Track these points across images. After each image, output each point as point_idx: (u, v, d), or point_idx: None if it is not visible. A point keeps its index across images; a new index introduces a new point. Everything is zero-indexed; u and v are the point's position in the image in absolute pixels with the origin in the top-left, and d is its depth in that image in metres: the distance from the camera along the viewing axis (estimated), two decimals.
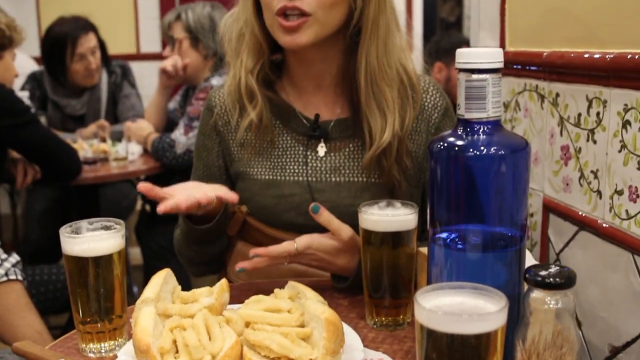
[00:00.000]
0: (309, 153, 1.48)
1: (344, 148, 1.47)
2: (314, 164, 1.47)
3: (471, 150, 0.90)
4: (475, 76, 0.89)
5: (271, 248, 1.31)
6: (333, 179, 1.46)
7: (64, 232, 1.14)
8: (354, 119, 1.46)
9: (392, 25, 1.43)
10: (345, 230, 1.33)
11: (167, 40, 3.39)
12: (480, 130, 0.91)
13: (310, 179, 1.47)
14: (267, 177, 1.49)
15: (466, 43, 3.63)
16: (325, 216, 1.32)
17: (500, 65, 0.90)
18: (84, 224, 1.16)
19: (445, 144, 0.92)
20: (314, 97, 1.51)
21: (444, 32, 5.66)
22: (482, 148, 0.90)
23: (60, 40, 3.45)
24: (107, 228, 1.16)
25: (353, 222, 1.28)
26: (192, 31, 3.23)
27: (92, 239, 1.12)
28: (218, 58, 3.19)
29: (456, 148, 0.91)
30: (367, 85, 1.41)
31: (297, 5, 1.33)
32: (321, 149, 1.48)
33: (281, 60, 1.53)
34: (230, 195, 1.35)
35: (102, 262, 1.12)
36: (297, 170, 1.48)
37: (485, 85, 0.89)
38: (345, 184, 1.46)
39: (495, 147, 0.90)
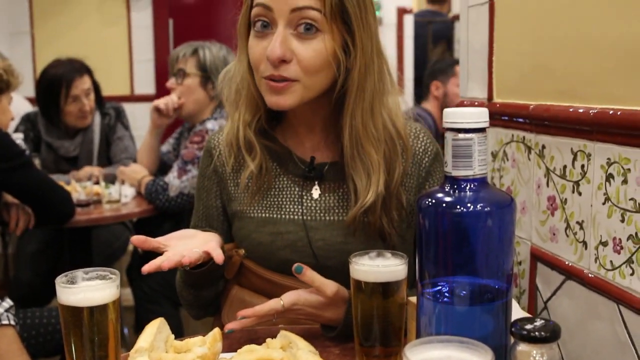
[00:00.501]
0: (304, 194, 1.52)
1: (337, 190, 1.51)
2: (309, 204, 1.51)
3: (458, 206, 0.93)
4: (461, 135, 0.92)
5: (258, 308, 1.32)
6: (327, 218, 1.50)
7: (60, 282, 1.15)
8: (343, 166, 1.49)
9: (381, 86, 1.45)
10: (330, 287, 1.35)
11: (174, 72, 3.33)
12: (467, 188, 0.94)
13: (305, 217, 1.50)
14: (264, 215, 1.52)
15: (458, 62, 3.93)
16: (308, 275, 1.34)
17: (486, 124, 0.93)
18: (79, 273, 1.17)
19: (433, 200, 0.95)
20: (309, 140, 1.55)
21: (439, 56, 5.85)
22: (468, 205, 0.92)
23: (55, 82, 3.48)
24: (102, 278, 1.17)
25: (344, 260, 1.30)
26: (206, 70, 3.22)
27: (87, 289, 1.13)
28: (221, 102, 3.20)
29: (444, 204, 0.94)
30: (352, 147, 1.43)
31: (282, 74, 1.37)
32: (315, 192, 1.52)
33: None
34: (217, 254, 1.35)
35: (97, 312, 1.13)
36: (292, 210, 1.51)
37: (471, 144, 0.92)
38: (338, 223, 1.49)
39: (481, 204, 0.92)
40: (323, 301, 1.35)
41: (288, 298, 1.34)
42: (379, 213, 1.45)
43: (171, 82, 3.34)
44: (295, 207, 1.51)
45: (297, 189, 1.52)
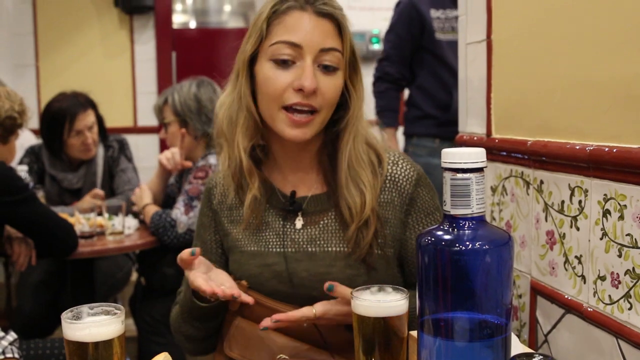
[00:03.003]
0: (287, 226, 1.58)
1: (319, 221, 1.57)
2: (292, 236, 1.57)
3: (457, 245, 0.95)
4: (460, 175, 0.95)
5: (291, 313, 1.42)
6: (309, 249, 1.55)
7: (65, 318, 1.16)
8: (329, 195, 1.57)
9: (362, 112, 1.58)
10: None
11: (161, 123, 3.42)
12: (466, 226, 0.96)
13: (288, 250, 1.56)
14: (252, 248, 1.59)
15: None
16: (339, 291, 1.41)
17: (484, 164, 0.95)
18: (84, 308, 1.19)
19: (433, 239, 0.97)
20: (292, 176, 1.62)
21: None
22: (467, 243, 0.94)
23: (59, 116, 3.50)
24: (107, 313, 1.19)
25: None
26: (179, 114, 3.25)
27: (93, 325, 1.15)
28: (210, 139, 3.23)
29: (443, 243, 0.96)
30: (346, 171, 1.53)
31: (311, 103, 1.46)
32: (298, 222, 1.58)
33: (263, 145, 1.62)
34: (246, 297, 1.44)
35: (102, 347, 1.14)
36: (277, 242, 1.57)
37: (469, 184, 0.94)
38: (321, 254, 1.54)
39: (480, 242, 0.94)
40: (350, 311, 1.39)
41: (320, 308, 1.43)
42: (372, 231, 1.52)
43: (162, 133, 3.43)
44: (279, 240, 1.57)
45: (280, 221, 1.59)
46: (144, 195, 3.31)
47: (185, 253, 1.44)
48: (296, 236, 1.56)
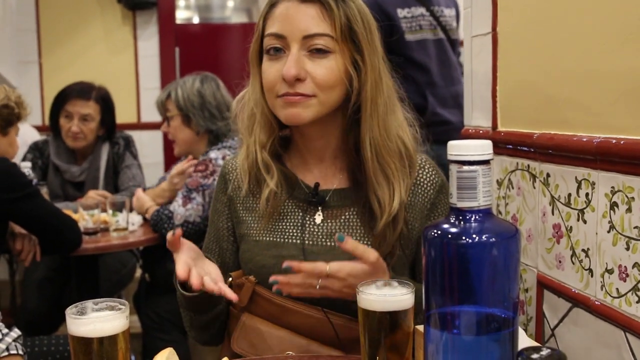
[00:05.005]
0: (307, 218, 1.57)
1: (340, 216, 1.56)
2: (311, 229, 1.56)
3: (464, 237, 0.94)
4: (466, 167, 0.94)
5: (304, 264, 1.36)
6: (328, 244, 1.54)
7: (70, 313, 1.16)
8: (354, 190, 1.55)
9: (390, 102, 1.55)
10: (372, 253, 1.38)
11: (164, 116, 3.42)
12: (472, 219, 0.95)
13: (306, 242, 1.55)
14: (268, 238, 1.57)
15: None
16: (350, 243, 1.37)
17: (490, 156, 0.94)
18: (89, 304, 1.19)
19: (439, 231, 0.96)
20: (315, 168, 1.61)
21: None
22: (474, 236, 0.94)
23: (59, 95, 3.60)
24: (112, 308, 1.19)
25: (344, 284, 1.39)
26: (182, 109, 3.25)
27: (97, 320, 1.15)
28: (212, 135, 3.24)
29: (449, 235, 0.95)
30: (373, 158, 1.50)
31: (298, 91, 1.45)
32: (318, 217, 1.57)
33: (288, 136, 1.64)
34: (231, 294, 1.39)
35: (107, 342, 1.14)
36: (295, 234, 1.56)
37: (475, 176, 0.93)
38: (339, 249, 1.50)
39: (486, 235, 0.93)
40: (366, 270, 1.37)
41: (333, 264, 1.37)
42: (400, 226, 1.51)
43: (164, 127, 3.42)
44: (297, 231, 1.56)
45: (300, 213, 1.58)
46: (144, 201, 3.32)
47: (169, 234, 1.41)
48: (315, 229, 1.56)
